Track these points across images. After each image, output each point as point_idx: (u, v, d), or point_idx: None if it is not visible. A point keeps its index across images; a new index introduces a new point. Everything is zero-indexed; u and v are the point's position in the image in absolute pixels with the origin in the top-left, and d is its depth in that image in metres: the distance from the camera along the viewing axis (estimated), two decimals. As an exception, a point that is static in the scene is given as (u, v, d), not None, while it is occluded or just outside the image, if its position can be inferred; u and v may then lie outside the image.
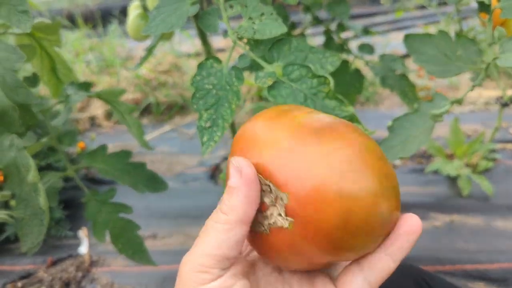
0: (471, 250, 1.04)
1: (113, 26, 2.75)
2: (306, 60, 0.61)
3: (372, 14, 3.36)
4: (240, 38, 0.64)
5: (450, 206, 1.18)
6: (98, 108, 1.97)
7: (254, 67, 0.77)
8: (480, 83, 0.56)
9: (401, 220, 0.31)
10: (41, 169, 1.17)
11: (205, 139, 0.61)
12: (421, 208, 1.17)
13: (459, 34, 0.60)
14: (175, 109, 1.99)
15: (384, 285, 0.51)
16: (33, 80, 0.76)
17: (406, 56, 2.20)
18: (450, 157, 1.38)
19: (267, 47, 0.62)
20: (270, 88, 0.58)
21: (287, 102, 0.58)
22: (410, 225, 0.30)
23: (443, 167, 1.25)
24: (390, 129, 0.60)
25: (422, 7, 3.26)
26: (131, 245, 0.78)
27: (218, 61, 0.63)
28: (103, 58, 2.43)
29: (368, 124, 1.62)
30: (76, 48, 2.56)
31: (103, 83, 2.11)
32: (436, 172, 1.30)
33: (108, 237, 0.78)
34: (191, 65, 2.27)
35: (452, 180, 1.28)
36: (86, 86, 0.80)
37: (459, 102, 0.59)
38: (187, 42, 2.81)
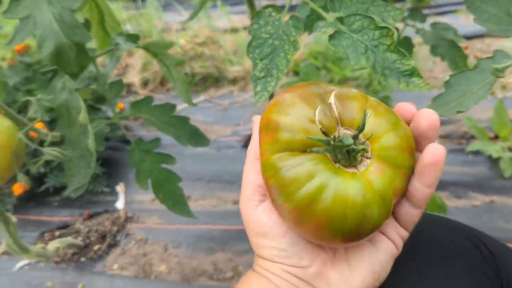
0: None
1: (151, -2, 2.77)
2: (367, 12, 0.59)
3: (413, -2, 3.27)
4: (301, -13, 0.63)
5: (491, 187, 1.15)
6: (134, 76, 2.00)
7: (309, 25, 0.76)
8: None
9: (425, 151, 0.33)
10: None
11: (258, 89, 0.60)
12: (460, 187, 1.15)
13: (526, -9, 0.57)
14: (210, 80, 2.00)
15: (439, 240, 0.49)
16: (85, 25, 0.77)
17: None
18: (492, 139, 1.34)
19: (328, -2, 0.61)
20: (331, 37, 0.57)
21: (347, 52, 0.56)
22: (433, 154, 0.32)
23: (485, 147, 1.21)
24: (447, 84, 0.58)
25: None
26: (172, 196, 0.79)
27: (277, 9, 0.62)
28: (140, 29, 2.45)
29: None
30: (114, 19, 2.58)
31: (139, 52, 2.13)
32: (476, 153, 1.27)
33: (144, 197, 0.79)
34: (227, 40, 2.26)
35: (493, 162, 1.24)
36: (134, 37, 0.80)
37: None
38: (223, 19, 2.81)
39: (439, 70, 1.88)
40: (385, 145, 0.32)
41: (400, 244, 0.37)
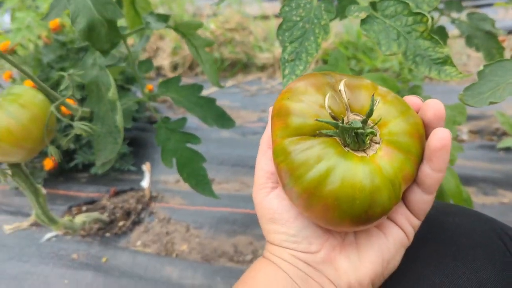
0: (540, 230, 0.98)
1: (184, -18, 2.77)
2: (401, -2, 0.58)
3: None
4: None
5: (521, 185, 1.11)
6: (164, 59, 2.02)
7: (341, 10, 0.75)
8: None
9: (431, 136, 0.33)
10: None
11: (286, 72, 0.60)
12: (489, 183, 1.12)
13: None
14: (239, 66, 2.00)
15: (462, 229, 0.48)
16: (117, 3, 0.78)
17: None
18: (525, 137, 1.30)
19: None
20: (363, 22, 0.56)
21: (379, 38, 0.56)
22: (440, 138, 0.32)
23: (517, 144, 1.18)
24: (480, 74, 0.56)
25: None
26: (195, 175, 0.80)
27: (309, -9, 0.61)
28: (171, 13, 2.47)
29: (435, 97, 1.55)
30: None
31: (170, 35, 2.15)
32: (508, 150, 1.23)
33: (169, 178, 0.80)
34: (258, 26, 2.26)
35: (525, 160, 1.21)
36: (164, 17, 0.81)
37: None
38: (255, 5, 2.80)
39: (473, 64, 1.82)
40: (393, 131, 0.33)
41: (411, 233, 0.37)
